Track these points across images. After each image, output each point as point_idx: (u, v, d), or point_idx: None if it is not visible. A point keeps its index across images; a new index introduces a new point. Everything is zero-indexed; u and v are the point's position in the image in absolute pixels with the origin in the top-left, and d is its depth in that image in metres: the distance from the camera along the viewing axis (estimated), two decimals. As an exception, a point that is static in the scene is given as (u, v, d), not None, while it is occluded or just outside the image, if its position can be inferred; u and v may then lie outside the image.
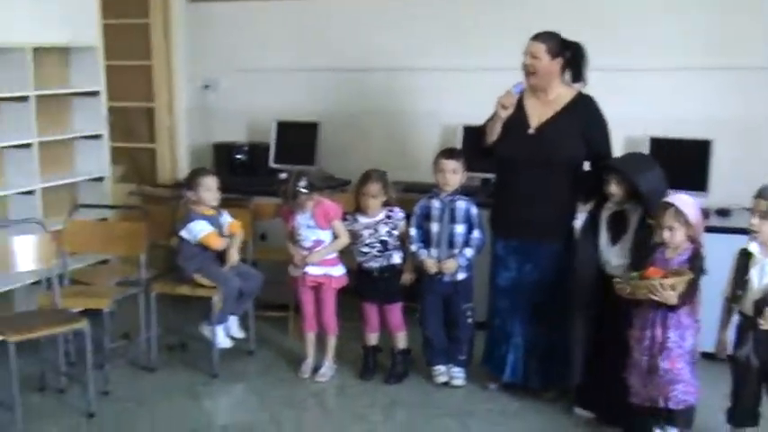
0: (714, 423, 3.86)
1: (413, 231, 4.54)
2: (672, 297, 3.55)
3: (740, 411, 3.69)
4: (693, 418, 3.77)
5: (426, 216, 4.52)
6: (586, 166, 4.30)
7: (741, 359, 3.62)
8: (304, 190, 4.51)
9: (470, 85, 5.63)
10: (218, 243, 4.66)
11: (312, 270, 4.62)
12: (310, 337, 4.75)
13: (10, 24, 5.08)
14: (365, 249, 4.58)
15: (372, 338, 4.73)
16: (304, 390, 4.57)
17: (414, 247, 4.52)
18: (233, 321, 4.80)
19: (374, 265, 4.58)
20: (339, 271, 4.68)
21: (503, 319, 4.41)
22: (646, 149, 5.07)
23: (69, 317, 4.27)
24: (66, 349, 4.66)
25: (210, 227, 4.66)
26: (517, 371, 4.40)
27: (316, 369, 4.72)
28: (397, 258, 4.61)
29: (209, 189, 4.71)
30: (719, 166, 5.05)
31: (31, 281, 4.96)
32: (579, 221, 4.26)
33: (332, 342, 4.73)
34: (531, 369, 4.37)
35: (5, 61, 5.06)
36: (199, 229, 4.64)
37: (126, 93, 6.37)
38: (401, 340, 4.71)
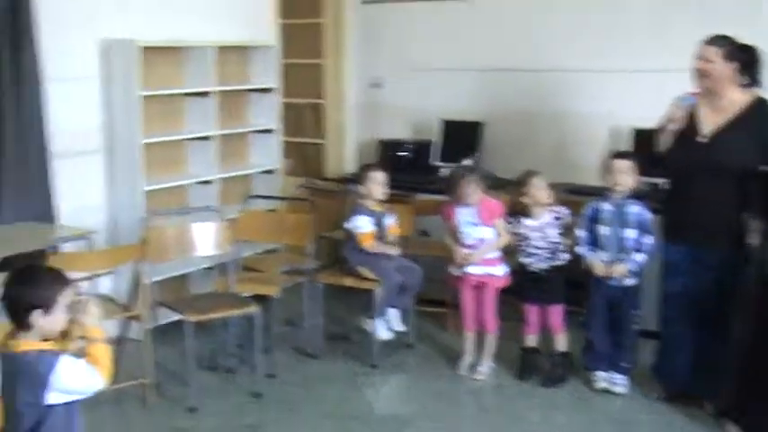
0: None
1: (581, 233, 4.49)
2: None
3: None
4: None
5: (595, 219, 4.46)
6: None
7: None
8: (472, 178, 4.54)
9: (640, 87, 5.51)
10: (370, 244, 4.77)
11: (474, 269, 4.66)
12: (469, 335, 4.79)
13: (196, 25, 5.41)
14: (534, 251, 4.57)
15: (532, 340, 4.72)
16: (461, 386, 4.62)
17: (581, 250, 4.48)
18: (394, 315, 4.90)
19: (543, 266, 4.56)
20: (501, 270, 4.70)
21: (673, 328, 4.31)
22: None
23: (242, 301, 4.50)
24: (236, 331, 4.91)
25: (371, 226, 4.78)
26: (685, 380, 4.29)
27: (473, 367, 4.75)
28: (563, 259, 4.58)
29: (378, 183, 4.83)
30: None
31: (206, 266, 5.25)
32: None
33: (491, 341, 4.75)
34: (699, 379, 4.24)
35: (192, 59, 5.38)
36: (358, 225, 4.78)
37: (298, 90, 6.61)
38: (561, 342, 4.68)
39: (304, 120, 6.91)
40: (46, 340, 2.48)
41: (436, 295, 5.39)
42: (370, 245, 4.78)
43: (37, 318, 2.42)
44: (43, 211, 4.66)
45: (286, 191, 6.02)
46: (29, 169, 4.56)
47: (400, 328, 4.95)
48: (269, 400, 4.39)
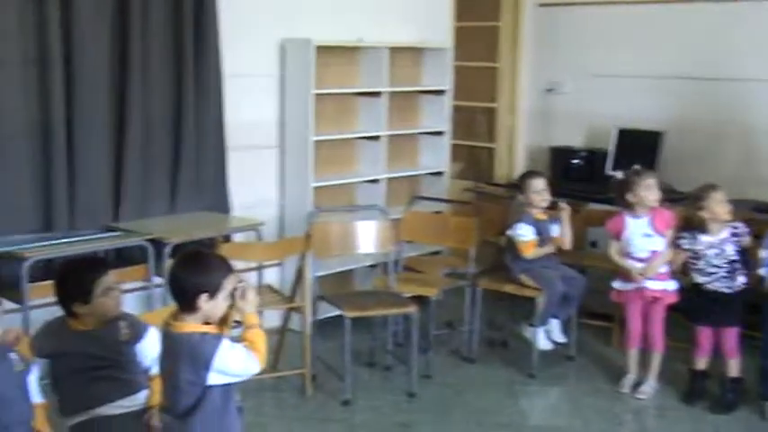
0: None
1: (764, 254, 4.20)
2: None
3: None
4: None
5: (783, 239, 4.17)
6: None
7: None
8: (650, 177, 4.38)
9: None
10: (531, 253, 4.67)
11: (650, 284, 4.45)
12: (633, 352, 4.58)
13: (371, 25, 5.48)
14: (711, 270, 4.31)
15: (702, 363, 4.45)
16: (622, 404, 4.43)
17: (763, 271, 4.20)
18: (555, 325, 4.78)
19: (719, 285, 4.31)
20: (673, 286, 4.47)
21: None
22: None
23: (401, 301, 4.52)
24: (394, 330, 4.94)
25: (532, 235, 4.68)
26: None
27: (636, 385, 4.55)
28: (742, 279, 4.31)
29: (537, 191, 4.72)
30: None
31: (369, 263, 5.32)
32: None
33: (657, 359, 4.52)
34: None
35: (365, 59, 5.47)
36: (520, 233, 4.69)
37: (470, 93, 6.58)
38: (734, 368, 4.39)
39: (475, 123, 6.88)
40: (206, 323, 2.58)
41: (601, 308, 5.22)
42: (531, 253, 4.69)
43: (202, 302, 2.53)
44: (218, 202, 4.87)
45: (452, 194, 6.00)
46: (206, 162, 4.78)
47: (561, 339, 4.82)
48: (422, 401, 4.39)
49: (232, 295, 2.59)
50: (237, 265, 4.76)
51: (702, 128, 5.73)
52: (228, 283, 2.57)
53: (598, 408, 4.38)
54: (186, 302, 2.55)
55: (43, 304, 3.91)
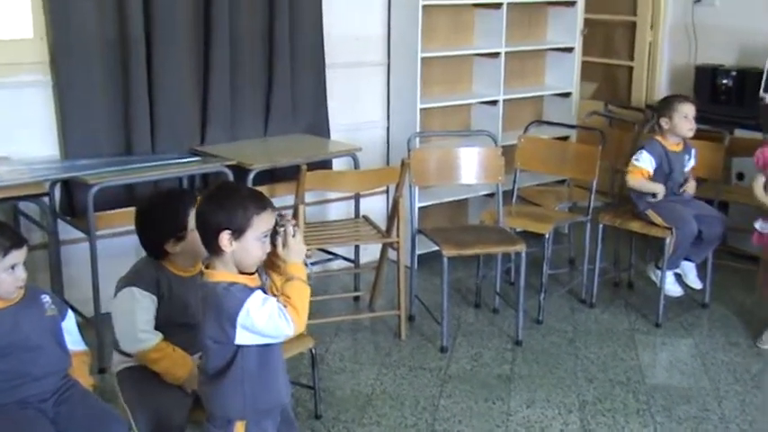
0: None
1: None
2: None
3: None
4: None
5: None
6: None
7: None
8: None
9: None
10: (634, 178, 4.12)
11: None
12: None
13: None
14: None
15: None
16: (760, 363, 3.86)
17: None
18: (689, 268, 4.24)
19: None
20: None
21: None
22: None
23: (507, 238, 4.06)
24: (506, 268, 4.51)
25: (650, 166, 4.12)
26: None
27: (780, 341, 3.98)
28: None
29: (687, 117, 4.12)
30: None
31: (485, 193, 4.87)
32: None
33: (805, 312, 3.94)
34: None
35: (484, -34, 4.92)
36: (638, 159, 4.13)
37: (606, 4, 5.91)
38: None
39: (613, 39, 6.20)
40: (243, 273, 2.22)
41: (745, 248, 4.60)
42: (635, 181, 4.12)
43: (226, 242, 2.16)
44: (316, 124, 4.52)
45: (581, 117, 5.42)
46: (303, 80, 4.40)
47: (695, 284, 4.28)
48: (529, 349, 3.96)
49: (273, 235, 2.22)
50: (328, 195, 4.54)
51: None
52: (261, 223, 2.18)
53: (731, 365, 3.84)
54: (208, 242, 2.19)
55: (110, 234, 3.75)
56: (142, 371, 2.62)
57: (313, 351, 3.21)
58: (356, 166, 4.26)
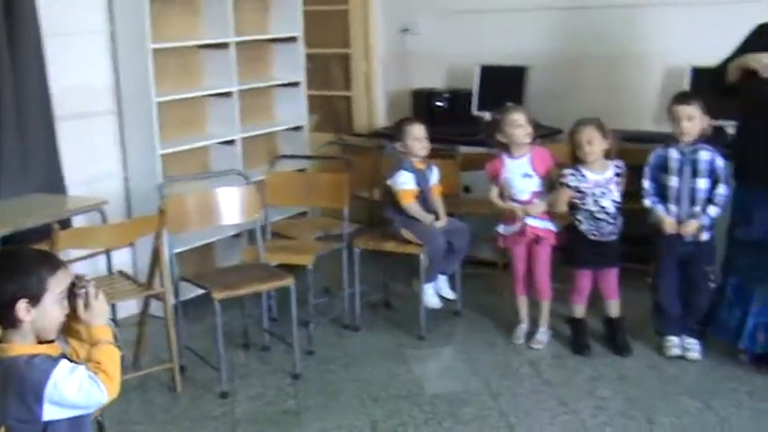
0: None
1: (646, 184, 4.01)
2: None
3: None
4: None
5: (663, 168, 3.98)
6: None
7: None
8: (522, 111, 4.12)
9: (699, 21, 4.99)
10: (408, 204, 4.32)
11: (533, 222, 4.18)
12: (523, 299, 4.35)
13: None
14: (601, 216, 4.06)
15: (580, 310, 4.26)
16: (519, 357, 4.18)
17: (648, 202, 4.01)
18: (443, 281, 4.47)
19: (608, 229, 4.08)
20: (553, 227, 4.23)
21: (740, 279, 3.90)
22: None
23: (275, 273, 4.07)
24: (267, 305, 4.50)
25: (413, 184, 4.33)
26: (756, 338, 3.87)
27: (530, 335, 4.32)
28: (620, 220, 4.11)
29: (418, 138, 4.36)
30: None
31: (233, 233, 4.83)
32: None
33: (546, 307, 4.31)
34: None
35: (207, 7, 4.89)
36: (401, 181, 4.33)
37: (322, 39, 6.12)
38: (614, 308, 4.23)
39: (329, 71, 6.42)
40: (43, 342, 2.03)
41: (481, 255, 4.95)
42: (410, 205, 4.33)
43: (24, 311, 1.97)
44: (50, 180, 4.23)
45: (314, 149, 5.56)
46: (32, 134, 4.10)
47: (450, 295, 4.52)
48: (308, 381, 3.98)
49: (71, 297, 2.06)
50: (78, 254, 4.27)
51: (565, 60, 5.52)
52: (57, 283, 2.02)
53: (495, 363, 4.12)
54: (4, 316, 2.00)
55: None
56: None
57: (100, 419, 3.00)
58: (104, 220, 4.04)
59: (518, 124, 4.16)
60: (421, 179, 4.36)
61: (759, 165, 3.80)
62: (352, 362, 4.17)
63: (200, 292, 4.03)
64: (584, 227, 4.10)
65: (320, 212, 5.16)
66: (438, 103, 5.74)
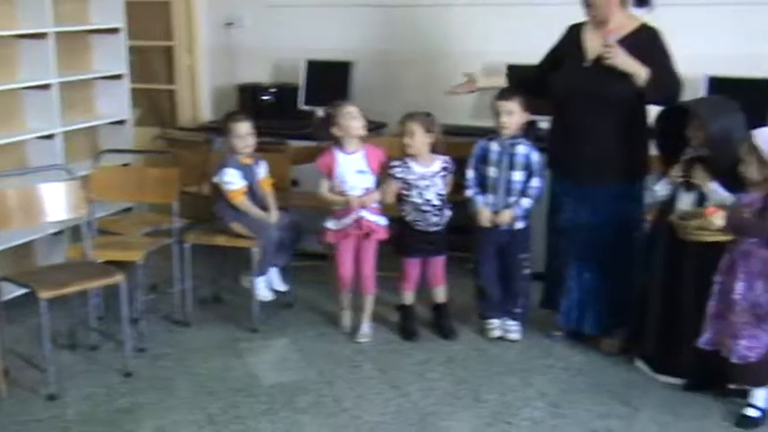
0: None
1: (470, 174, 4.23)
2: (717, 218, 3.33)
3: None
4: (760, 376, 3.47)
5: (484, 159, 4.21)
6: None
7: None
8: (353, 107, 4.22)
9: (516, 21, 5.29)
10: (239, 201, 4.34)
11: (368, 215, 4.29)
12: (348, 295, 4.44)
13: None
14: (426, 208, 4.23)
15: (410, 297, 4.42)
16: (351, 345, 4.29)
17: (469, 192, 4.22)
18: (274, 273, 4.51)
19: (433, 220, 4.25)
20: (384, 221, 4.37)
21: (558, 261, 4.20)
22: (702, 89, 4.76)
23: (103, 270, 3.97)
24: (95, 303, 4.38)
25: (240, 180, 4.34)
26: (571, 316, 4.20)
27: (355, 328, 4.42)
28: (448, 212, 4.31)
29: (240, 136, 4.37)
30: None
31: (53, 231, 4.66)
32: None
33: (370, 301, 4.40)
34: (587, 314, 4.17)
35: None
36: (228, 180, 4.33)
37: (144, 31, 5.99)
38: (441, 294, 4.44)
39: (152, 64, 6.29)
40: None
41: (310, 248, 5.03)
42: (241, 202, 4.34)
43: None
44: None
45: (138, 143, 5.45)
46: None
47: (282, 287, 4.57)
48: (141, 379, 3.92)
49: None
50: None
51: (390, 56, 5.70)
52: None
53: (329, 353, 4.21)
54: None
55: None
56: None
57: None
58: None
59: (353, 116, 4.24)
60: (248, 174, 4.38)
61: (560, 157, 4.12)
62: (185, 357, 4.15)
63: (21, 292, 3.89)
64: (410, 218, 4.26)
65: (147, 208, 5.06)
66: (264, 98, 5.76)
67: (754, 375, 3.46)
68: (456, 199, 4.34)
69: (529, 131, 4.28)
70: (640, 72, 3.79)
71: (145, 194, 4.60)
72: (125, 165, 5.06)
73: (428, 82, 5.55)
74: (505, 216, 4.16)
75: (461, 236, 4.40)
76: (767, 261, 3.35)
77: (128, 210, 5.23)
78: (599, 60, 3.88)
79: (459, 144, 4.51)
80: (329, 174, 4.30)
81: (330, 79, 5.65)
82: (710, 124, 3.55)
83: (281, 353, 4.26)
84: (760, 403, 3.49)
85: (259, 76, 5.98)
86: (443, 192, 4.26)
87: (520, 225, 4.22)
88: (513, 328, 4.33)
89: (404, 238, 4.33)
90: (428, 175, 4.23)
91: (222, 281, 4.87)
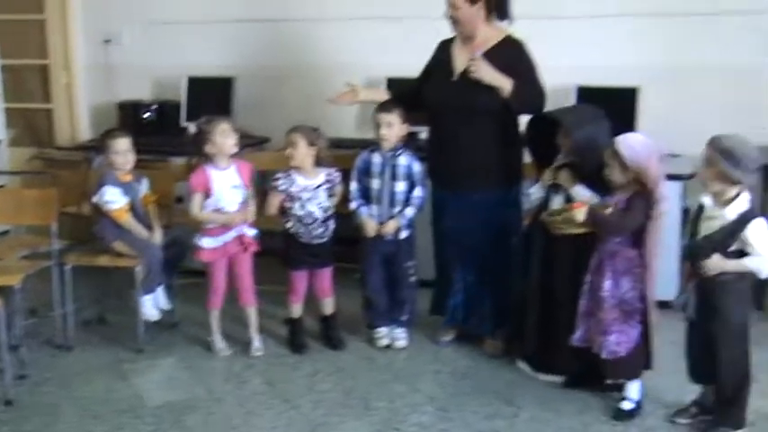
0: (666, 372, 3.76)
1: (353, 186, 4.30)
2: (579, 213, 3.51)
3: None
4: (631, 369, 3.65)
5: (367, 171, 4.28)
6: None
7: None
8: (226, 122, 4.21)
9: (394, 34, 5.41)
10: (124, 220, 4.28)
11: (247, 230, 4.30)
12: (216, 313, 4.39)
13: None
14: (308, 220, 4.25)
15: (297, 310, 4.44)
16: (239, 361, 4.28)
17: (354, 205, 4.29)
18: (160, 291, 4.45)
19: (316, 233, 4.28)
20: (254, 232, 4.37)
21: (443, 264, 4.34)
22: (572, 98, 4.98)
23: (-22, 296, 3.85)
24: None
25: (122, 197, 4.27)
26: (456, 316, 4.34)
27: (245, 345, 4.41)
28: (332, 224, 4.35)
29: (118, 152, 4.30)
30: (647, 114, 4.96)
31: None
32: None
33: (254, 314, 4.40)
34: (471, 316, 4.32)
35: None
36: (109, 199, 4.26)
37: (17, 49, 5.84)
38: (329, 306, 4.47)
39: (27, 83, 6.13)
40: None
41: (191, 265, 4.94)
42: (126, 221, 4.28)
43: None
44: None
45: (14, 164, 5.30)
46: None
47: (167, 306, 4.51)
48: (23, 407, 3.79)
49: None
50: None
51: (271, 71, 5.74)
52: None
53: (216, 370, 4.19)
54: None
55: None
56: None
57: None
58: None
59: (228, 134, 4.23)
60: (129, 191, 4.31)
61: (437, 167, 4.26)
62: (68, 382, 4.05)
63: None
64: (293, 230, 4.28)
65: (24, 230, 4.92)
66: (145, 115, 5.70)
67: (626, 369, 3.64)
68: (342, 211, 4.38)
69: (410, 142, 4.38)
70: (504, 85, 3.95)
71: (22, 217, 4.47)
72: (0, 186, 4.91)
73: (310, 96, 5.60)
74: (390, 226, 4.23)
75: (348, 247, 4.45)
76: (632, 260, 3.55)
77: (4, 233, 5.07)
78: (466, 74, 4.01)
79: (344, 156, 4.57)
80: (205, 192, 4.23)
81: (212, 95, 5.65)
82: (575, 132, 3.72)
83: (168, 372, 4.21)
84: (634, 395, 3.67)
85: (140, 93, 5.91)
86: (327, 204, 4.30)
87: (405, 234, 4.31)
88: (400, 336, 4.41)
89: (289, 251, 4.34)
90: (311, 188, 4.26)
91: (106, 302, 4.78)
